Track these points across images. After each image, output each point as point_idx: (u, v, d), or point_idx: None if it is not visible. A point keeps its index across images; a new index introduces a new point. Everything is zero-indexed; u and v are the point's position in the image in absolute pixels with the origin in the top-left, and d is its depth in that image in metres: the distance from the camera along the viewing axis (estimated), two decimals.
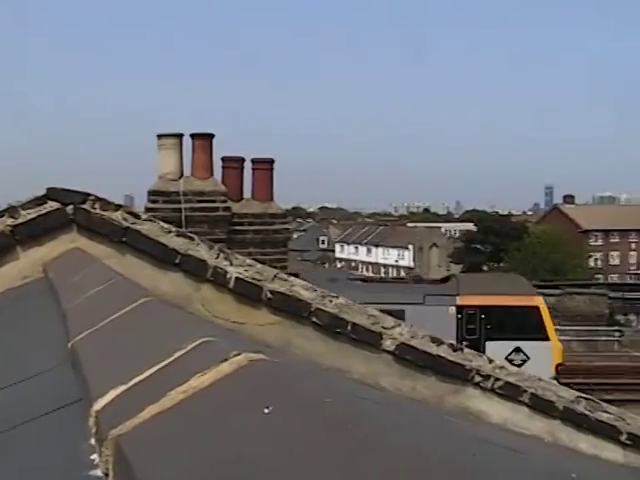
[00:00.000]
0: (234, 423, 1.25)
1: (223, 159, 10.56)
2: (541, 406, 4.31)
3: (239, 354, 1.45)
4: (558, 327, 24.66)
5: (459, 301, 20.73)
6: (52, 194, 4.30)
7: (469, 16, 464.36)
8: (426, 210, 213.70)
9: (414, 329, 4.22)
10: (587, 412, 4.46)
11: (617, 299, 37.36)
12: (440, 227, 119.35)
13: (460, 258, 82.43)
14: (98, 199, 4.27)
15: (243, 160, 10.71)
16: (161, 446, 1.33)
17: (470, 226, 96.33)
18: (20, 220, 4.27)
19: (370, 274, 77.56)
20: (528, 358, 19.92)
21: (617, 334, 34.36)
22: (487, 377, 4.18)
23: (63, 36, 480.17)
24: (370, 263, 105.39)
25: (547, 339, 20.71)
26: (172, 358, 1.73)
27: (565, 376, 18.63)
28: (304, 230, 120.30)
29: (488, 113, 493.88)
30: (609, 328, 34.60)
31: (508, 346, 20.02)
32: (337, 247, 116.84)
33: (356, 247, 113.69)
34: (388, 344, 4.00)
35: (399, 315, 12.77)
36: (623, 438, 4.51)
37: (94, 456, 1.60)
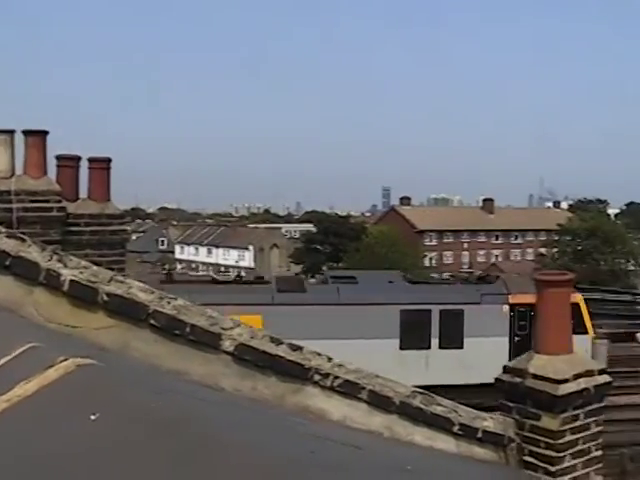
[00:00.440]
0: (57, 432, 1.18)
1: (57, 157, 10.17)
2: (379, 402, 4.39)
3: (66, 359, 1.38)
4: None
5: (511, 300, 22.19)
6: None
7: None
8: (267, 211, 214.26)
9: (253, 330, 4.19)
10: (422, 406, 4.60)
11: None
12: (281, 228, 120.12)
13: (300, 258, 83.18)
14: None
15: (79, 159, 10.35)
16: None
17: (310, 227, 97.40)
18: None
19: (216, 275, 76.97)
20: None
21: None
22: (326, 375, 4.22)
23: None
24: (211, 264, 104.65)
25: (586, 332, 22.17)
26: None
27: None
28: (143, 231, 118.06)
29: (328, 115, 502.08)
30: None
31: None
32: (177, 248, 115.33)
33: (196, 248, 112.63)
34: (227, 345, 3.96)
35: (456, 314, 17.34)
36: (455, 429, 4.68)
37: None
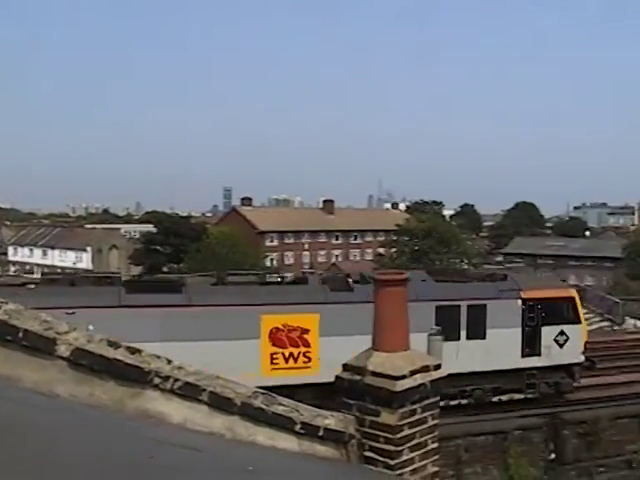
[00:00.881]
0: None
1: None
2: (220, 403, 4.35)
3: None
4: None
5: (523, 295, 24.60)
6: None
7: None
8: (105, 211, 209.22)
9: (90, 333, 4.06)
10: (264, 406, 4.59)
11: None
12: (120, 228, 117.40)
13: (140, 259, 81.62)
14: None
15: None
16: None
17: (150, 227, 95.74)
18: None
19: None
20: (568, 338, 24.78)
21: None
22: (166, 378, 4.13)
23: None
24: (46, 266, 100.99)
25: (580, 322, 25.49)
26: None
27: None
28: None
29: (164, 117, 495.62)
30: None
31: (556, 329, 24.70)
32: (10, 249, 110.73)
33: (31, 249, 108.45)
34: (62, 350, 3.80)
35: (481, 308, 20.14)
36: (297, 428, 4.70)
37: None
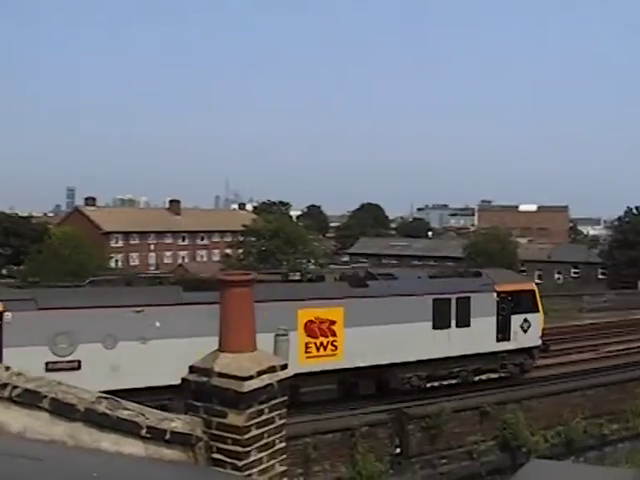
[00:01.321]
0: None
1: None
2: (62, 410, 4.23)
3: None
4: None
5: (497, 288, 28.23)
6: None
7: None
8: None
9: None
10: (108, 411, 4.49)
11: None
12: None
13: None
14: None
15: None
16: None
17: None
18: None
19: None
20: (530, 325, 28.67)
21: None
22: (4, 386, 3.98)
23: None
24: None
25: (538, 311, 29.44)
26: None
27: None
28: None
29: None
30: None
31: (521, 317, 28.48)
32: None
33: None
34: None
35: (466, 300, 24.48)
36: (143, 432, 4.62)
37: None
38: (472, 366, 27.56)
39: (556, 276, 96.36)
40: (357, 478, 20.30)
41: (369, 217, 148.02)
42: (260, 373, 5.00)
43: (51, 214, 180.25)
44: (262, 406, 5.01)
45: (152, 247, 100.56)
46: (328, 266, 79.71)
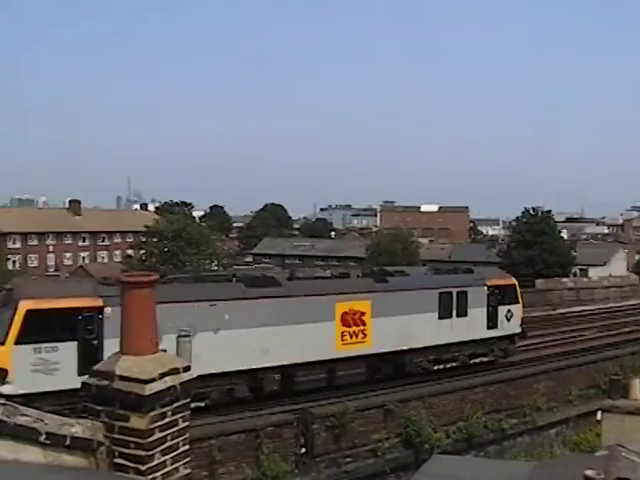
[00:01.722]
0: None
1: None
2: None
3: None
4: None
5: (487, 283, 31.95)
6: None
7: None
8: None
9: None
10: (5, 418, 4.35)
11: None
12: None
13: None
14: None
15: None
16: None
17: None
18: None
19: None
20: (513, 314, 32.50)
21: None
22: None
23: None
24: None
25: (519, 302, 33.46)
26: None
27: None
28: None
29: None
30: None
31: (506, 308, 32.26)
32: None
33: None
34: None
35: (464, 293, 29.12)
36: (42, 439, 4.49)
37: None
38: (468, 351, 31.20)
39: None
40: (262, 479, 20.28)
41: (272, 217, 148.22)
42: (163, 375, 4.92)
43: None
44: (165, 409, 4.93)
45: (51, 248, 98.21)
46: (231, 267, 79.45)
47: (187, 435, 5.22)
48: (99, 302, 20.85)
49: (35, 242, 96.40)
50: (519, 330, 33.38)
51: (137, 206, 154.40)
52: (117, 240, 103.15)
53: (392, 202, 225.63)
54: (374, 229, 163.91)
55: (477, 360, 31.65)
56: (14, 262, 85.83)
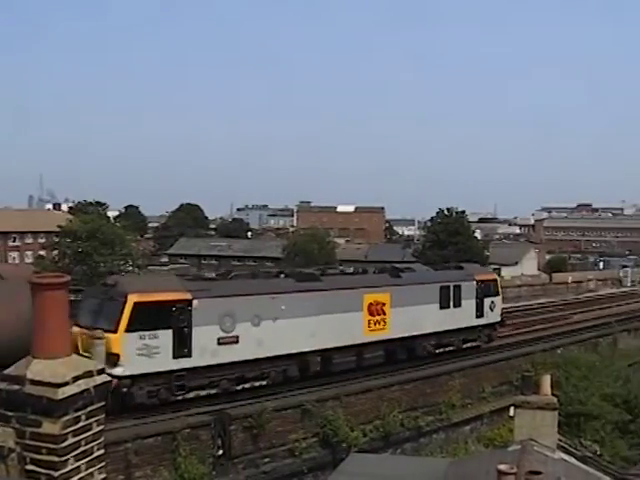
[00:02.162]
0: None
1: None
2: None
3: None
4: None
5: (476, 277, 36.49)
6: None
7: None
8: None
9: None
10: None
11: None
12: None
13: None
14: None
15: None
16: None
17: None
18: None
19: None
20: (495, 305, 37.07)
21: None
22: None
23: None
24: None
25: (499, 295, 38.29)
26: None
27: None
28: None
29: None
30: None
31: (490, 300, 36.62)
32: None
33: None
34: None
35: (459, 287, 34.71)
36: None
37: None
38: (461, 336, 35.31)
39: None
40: None
41: (188, 217, 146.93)
42: (76, 379, 4.80)
43: None
44: (79, 413, 4.81)
45: None
46: (146, 268, 78.38)
47: (102, 439, 5.11)
48: (188, 295, 24.16)
49: None
50: (499, 319, 38.13)
51: (50, 206, 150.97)
52: (29, 240, 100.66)
53: (309, 202, 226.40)
54: (291, 229, 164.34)
55: (468, 345, 35.78)
56: None
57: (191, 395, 23.87)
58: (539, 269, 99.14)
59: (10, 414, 4.74)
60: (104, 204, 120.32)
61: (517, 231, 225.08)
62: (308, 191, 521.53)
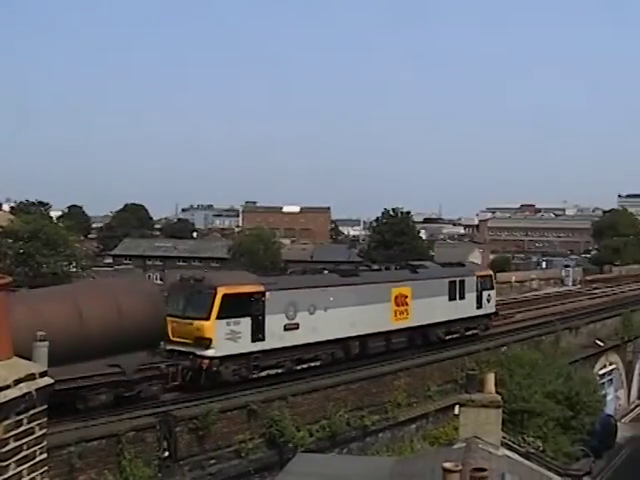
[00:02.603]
0: None
1: None
2: None
3: None
4: None
5: (477, 273, 40.75)
6: None
7: None
8: None
9: None
10: None
11: None
12: None
13: None
14: None
15: None
16: None
17: None
18: None
19: None
20: (491, 297, 41.04)
21: None
22: None
23: None
24: None
25: (494, 288, 42.36)
26: None
27: None
28: None
29: None
30: None
31: (487, 293, 40.50)
32: None
33: None
34: None
35: (463, 282, 39.58)
36: None
37: None
38: (465, 325, 39.14)
39: None
40: None
41: (133, 218, 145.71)
42: (17, 382, 4.71)
43: None
44: (20, 416, 4.73)
45: None
46: (90, 269, 77.45)
47: (44, 443, 5.02)
48: (262, 288, 27.88)
49: None
50: (494, 310, 42.36)
51: None
52: None
53: (254, 202, 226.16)
54: (236, 230, 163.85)
55: (470, 332, 39.52)
56: None
57: (263, 374, 27.53)
58: None
59: None
60: (47, 204, 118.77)
61: (461, 231, 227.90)
62: (254, 191, 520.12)
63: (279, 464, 22.52)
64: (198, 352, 25.44)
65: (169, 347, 25.31)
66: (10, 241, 64.00)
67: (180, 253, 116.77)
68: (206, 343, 25.62)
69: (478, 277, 40.36)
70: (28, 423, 4.81)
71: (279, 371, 28.15)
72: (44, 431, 5.00)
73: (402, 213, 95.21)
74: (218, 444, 22.90)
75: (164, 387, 24.09)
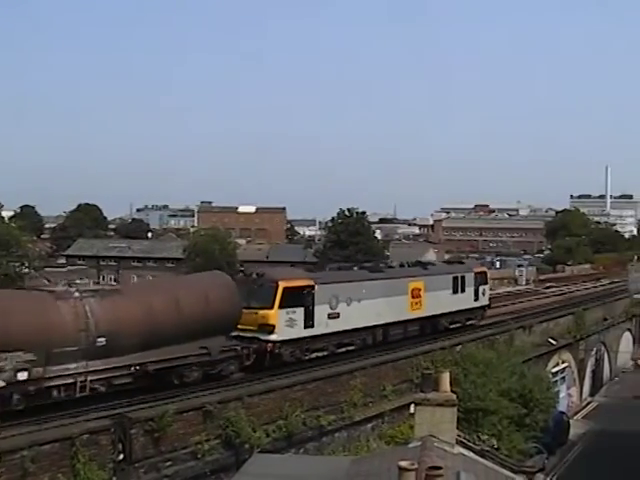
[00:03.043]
0: None
1: None
2: None
3: None
4: None
5: (474, 270, 45.10)
6: None
7: None
8: None
9: None
10: None
11: None
12: None
13: None
14: None
15: None
16: None
17: None
18: None
19: None
20: (485, 291, 45.18)
21: None
22: None
23: None
24: None
25: (487, 283, 47.03)
26: None
27: None
28: None
29: None
30: None
31: (482, 287, 44.75)
32: None
33: None
34: None
35: (463, 277, 44.71)
36: None
37: None
38: (465, 315, 43.44)
39: None
40: None
41: (87, 218, 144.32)
42: None
43: None
44: None
45: None
46: (43, 269, 76.51)
47: None
48: (311, 282, 31.84)
49: None
50: (488, 303, 46.49)
51: None
52: None
53: (210, 203, 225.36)
54: (191, 230, 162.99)
55: (468, 322, 43.72)
56: None
57: (313, 356, 31.70)
58: None
59: None
60: None
61: (416, 231, 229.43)
62: (209, 191, 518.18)
63: (235, 465, 22.47)
64: (262, 337, 29.35)
65: (234, 333, 28.56)
66: None
67: (135, 253, 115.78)
68: (270, 329, 29.62)
69: (475, 273, 44.73)
70: None
71: (325, 353, 32.40)
72: None
73: (357, 213, 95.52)
74: (174, 446, 22.74)
75: (239, 366, 28.22)
